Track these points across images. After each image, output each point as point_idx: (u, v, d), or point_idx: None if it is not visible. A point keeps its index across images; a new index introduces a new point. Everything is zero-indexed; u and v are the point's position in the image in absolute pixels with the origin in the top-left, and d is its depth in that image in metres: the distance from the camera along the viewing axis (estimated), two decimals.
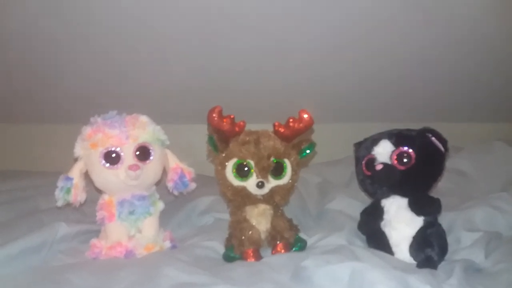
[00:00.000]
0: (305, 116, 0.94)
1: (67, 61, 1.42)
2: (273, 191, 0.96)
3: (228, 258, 0.94)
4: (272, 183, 0.95)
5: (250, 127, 0.98)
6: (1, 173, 1.53)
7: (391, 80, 1.55)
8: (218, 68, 1.46)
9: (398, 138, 0.92)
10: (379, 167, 0.90)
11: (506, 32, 1.38)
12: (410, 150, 0.90)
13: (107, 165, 0.92)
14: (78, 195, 0.94)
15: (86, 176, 0.97)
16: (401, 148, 0.90)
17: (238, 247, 0.93)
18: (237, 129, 0.95)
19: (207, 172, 1.14)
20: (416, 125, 0.96)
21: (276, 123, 0.97)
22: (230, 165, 0.95)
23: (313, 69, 1.49)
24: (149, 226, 0.98)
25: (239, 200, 0.97)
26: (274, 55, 1.42)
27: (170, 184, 1.01)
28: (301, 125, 0.94)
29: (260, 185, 0.93)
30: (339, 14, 1.27)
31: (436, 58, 1.47)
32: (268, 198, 0.96)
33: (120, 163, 0.92)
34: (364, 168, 0.95)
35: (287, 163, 0.97)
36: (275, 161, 0.95)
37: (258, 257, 0.92)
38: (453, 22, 1.32)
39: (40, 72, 1.46)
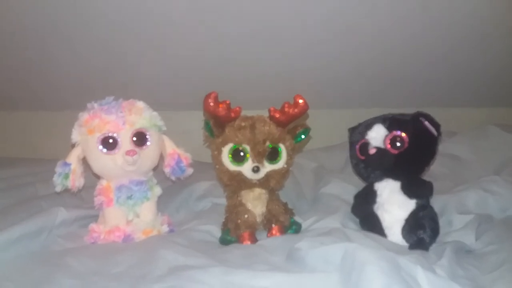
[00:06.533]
0: (300, 101, 0.95)
1: (65, 48, 1.42)
2: (268, 175, 0.97)
3: (225, 241, 0.95)
4: (267, 167, 0.96)
5: (246, 113, 0.99)
6: (0, 160, 1.54)
7: (387, 66, 1.55)
8: (215, 55, 1.46)
9: (392, 122, 0.93)
10: (372, 151, 0.91)
11: (500, 18, 1.37)
12: (403, 134, 0.91)
13: (104, 150, 0.93)
14: (76, 180, 0.95)
15: (84, 161, 0.97)
16: (394, 132, 0.91)
17: (234, 230, 0.95)
18: (232, 114, 0.95)
19: (204, 158, 1.15)
20: (411, 111, 0.97)
21: (272, 108, 0.97)
22: (226, 150, 0.96)
23: (309, 56, 1.49)
24: (147, 210, 0.99)
25: (235, 184, 0.98)
26: (271, 42, 1.41)
27: (167, 170, 1.02)
28: (296, 110, 0.95)
29: (256, 170, 0.94)
30: (334, 0, 1.27)
31: (431, 44, 1.46)
32: (263, 183, 0.98)
33: (117, 149, 0.93)
34: (358, 153, 0.96)
35: (282, 148, 0.98)
36: (270, 146, 0.96)
37: (253, 240, 0.94)
38: (448, 8, 1.32)
39: (38, 59, 1.46)
